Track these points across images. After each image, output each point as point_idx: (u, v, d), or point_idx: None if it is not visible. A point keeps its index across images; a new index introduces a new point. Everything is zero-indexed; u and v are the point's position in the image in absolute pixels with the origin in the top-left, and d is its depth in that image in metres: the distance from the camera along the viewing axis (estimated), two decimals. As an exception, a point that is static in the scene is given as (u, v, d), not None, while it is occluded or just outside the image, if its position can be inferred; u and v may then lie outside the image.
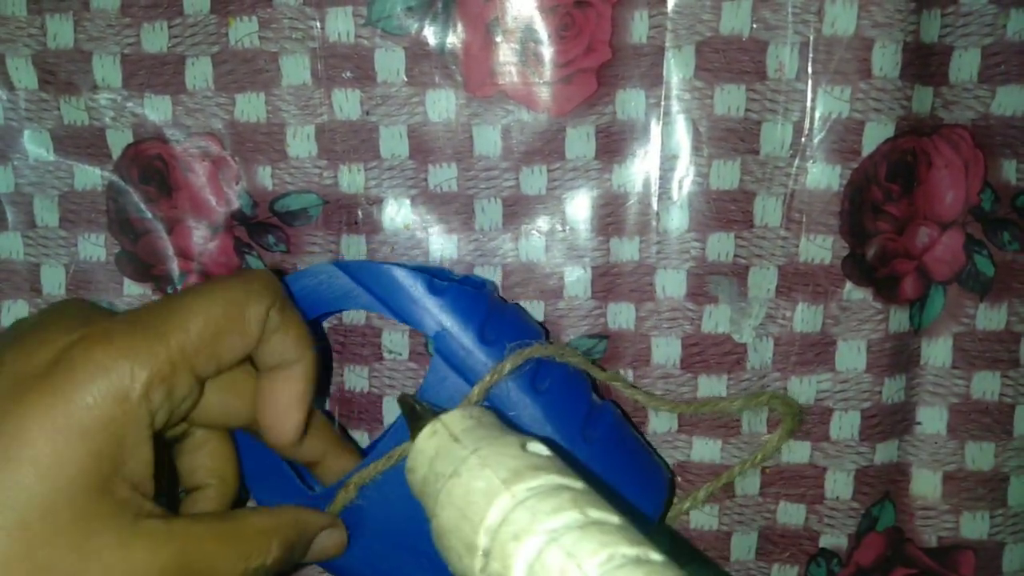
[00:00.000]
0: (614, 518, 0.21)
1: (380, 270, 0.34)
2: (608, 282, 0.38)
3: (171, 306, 0.28)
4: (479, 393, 0.32)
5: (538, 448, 0.24)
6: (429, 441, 0.26)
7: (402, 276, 0.34)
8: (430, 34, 0.36)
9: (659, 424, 0.39)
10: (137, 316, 0.27)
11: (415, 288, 0.33)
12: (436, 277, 0.34)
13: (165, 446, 0.32)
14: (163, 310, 0.28)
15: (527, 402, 0.33)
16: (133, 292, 0.39)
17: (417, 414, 0.27)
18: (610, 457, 0.35)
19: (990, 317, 0.38)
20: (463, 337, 0.33)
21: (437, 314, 0.33)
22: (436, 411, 0.27)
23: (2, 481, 0.24)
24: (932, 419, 0.39)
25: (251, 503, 0.36)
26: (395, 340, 0.38)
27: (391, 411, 0.39)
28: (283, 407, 0.31)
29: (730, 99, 0.36)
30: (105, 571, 0.25)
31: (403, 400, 0.29)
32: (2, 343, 0.27)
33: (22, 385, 0.25)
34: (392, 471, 0.32)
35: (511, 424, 0.29)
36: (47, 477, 0.24)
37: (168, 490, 0.33)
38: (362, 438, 0.40)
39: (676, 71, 0.36)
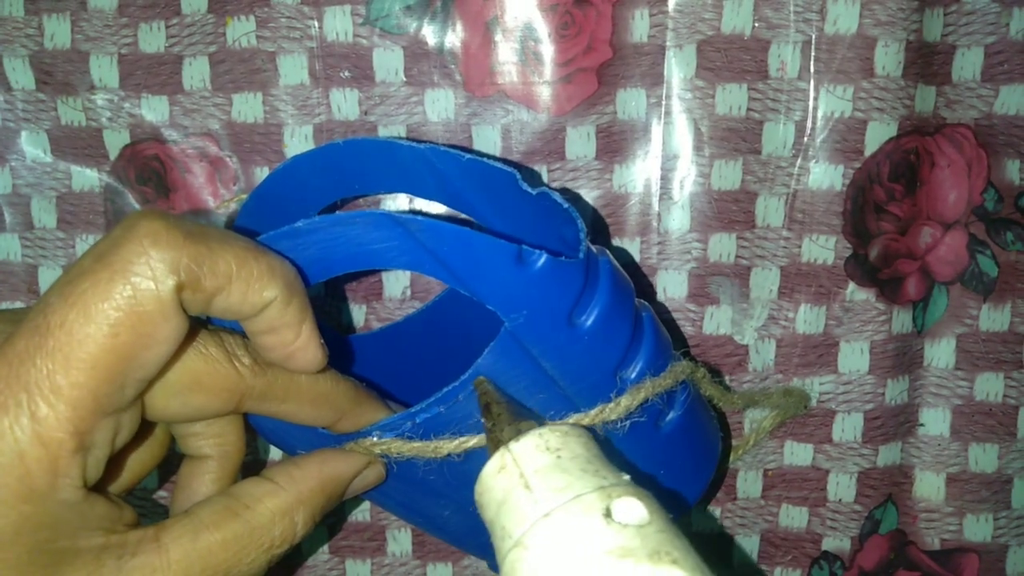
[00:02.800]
0: None
1: (455, 234, 0.26)
2: (609, 283, 0.38)
3: (49, 339, 0.21)
4: (568, 424, 0.27)
5: (627, 514, 0.20)
6: (496, 479, 0.22)
7: (483, 245, 0.26)
8: (429, 33, 0.36)
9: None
10: (11, 372, 0.21)
11: (499, 261, 0.26)
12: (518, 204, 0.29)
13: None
14: (40, 350, 0.21)
15: (567, 336, 0.28)
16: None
17: (491, 419, 0.24)
18: (675, 446, 0.31)
19: (993, 318, 0.38)
20: (548, 322, 0.27)
21: (522, 292, 0.27)
22: (511, 424, 0.24)
23: None
24: (935, 421, 0.39)
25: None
26: (394, 342, 0.38)
27: (390, 413, 0.39)
28: (288, 349, 0.25)
29: (732, 98, 0.36)
30: None
31: (482, 389, 0.26)
32: None
33: None
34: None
35: (597, 448, 0.24)
36: None
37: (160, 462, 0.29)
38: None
39: (677, 70, 0.36)
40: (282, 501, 0.26)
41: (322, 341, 0.26)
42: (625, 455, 0.30)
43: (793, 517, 0.39)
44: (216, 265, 0.23)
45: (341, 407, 0.28)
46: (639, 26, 0.36)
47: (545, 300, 0.27)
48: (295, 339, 0.25)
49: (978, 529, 0.39)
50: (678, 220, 0.37)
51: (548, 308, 0.27)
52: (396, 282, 0.38)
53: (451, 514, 0.31)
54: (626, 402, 0.28)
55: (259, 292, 0.24)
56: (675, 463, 0.32)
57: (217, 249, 0.23)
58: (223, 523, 0.25)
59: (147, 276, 0.21)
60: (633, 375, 0.29)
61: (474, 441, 0.27)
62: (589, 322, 0.28)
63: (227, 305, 0.23)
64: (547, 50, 0.36)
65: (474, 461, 0.27)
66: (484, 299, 0.27)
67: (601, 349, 0.29)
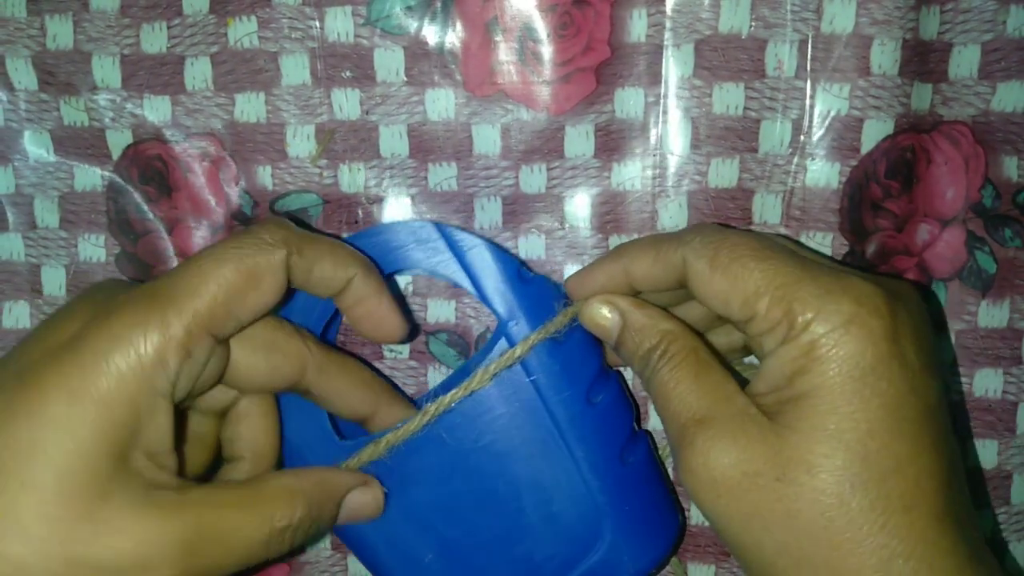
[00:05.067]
0: None
1: (475, 243, 0.34)
2: (608, 281, 0.38)
3: (185, 271, 0.28)
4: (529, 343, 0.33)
5: None
6: None
7: (494, 256, 0.34)
8: (429, 33, 0.36)
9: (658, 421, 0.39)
10: (155, 286, 0.28)
11: (505, 271, 0.34)
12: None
13: (207, 418, 0.33)
14: (178, 277, 0.28)
15: (578, 411, 0.34)
16: (133, 293, 0.39)
17: None
18: (639, 487, 0.35)
19: (992, 314, 0.38)
20: (532, 329, 0.33)
21: (516, 302, 0.34)
22: None
23: (20, 438, 0.25)
24: (934, 417, 0.39)
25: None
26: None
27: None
28: (374, 317, 0.32)
29: (729, 97, 0.36)
30: (116, 537, 0.25)
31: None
32: (46, 319, 0.29)
33: (48, 354, 0.26)
34: (426, 436, 0.33)
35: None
36: (63, 438, 0.25)
37: (211, 467, 0.33)
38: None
39: (675, 69, 0.36)
40: (284, 481, 0.30)
41: (401, 313, 0.32)
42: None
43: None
44: (314, 244, 0.30)
45: (380, 397, 0.33)
46: (637, 26, 0.36)
47: (536, 312, 0.34)
48: (378, 307, 0.32)
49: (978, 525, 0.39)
50: (675, 218, 0.37)
51: (536, 319, 0.34)
52: (398, 278, 0.38)
53: (433, 559, 0.34)
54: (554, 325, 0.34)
55: (344, 267, 0.31)
56: (638, 506, 0.35)
57: (315, 237, 0.31)
58: (234, 487, 0.29)
59: (267, 243, 0.29)
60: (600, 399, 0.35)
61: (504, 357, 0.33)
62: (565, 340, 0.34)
63: (322, 275, 0.30)
64: (546, 50, 0.36)
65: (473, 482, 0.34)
66: (485, 299, 0.34)
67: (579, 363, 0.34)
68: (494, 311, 0.34)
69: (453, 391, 0.33)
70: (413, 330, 0.38)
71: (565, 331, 0.33)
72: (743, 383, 0.29)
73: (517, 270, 0.34)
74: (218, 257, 0.28)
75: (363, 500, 0.32)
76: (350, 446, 0.33)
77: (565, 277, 0.38)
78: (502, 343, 0.33)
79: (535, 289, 0.34)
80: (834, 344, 0.26)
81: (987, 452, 0.39)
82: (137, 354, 0.26)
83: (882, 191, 0.37)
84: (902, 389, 0.26)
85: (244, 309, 0.29)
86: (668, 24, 0.36)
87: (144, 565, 0.25)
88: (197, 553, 0.26)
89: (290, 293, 0.31)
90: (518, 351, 0.33)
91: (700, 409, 0.28)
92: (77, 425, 0.25)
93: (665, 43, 0.36)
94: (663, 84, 0.36)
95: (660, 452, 0.38)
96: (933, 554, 0.26)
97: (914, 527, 0.26)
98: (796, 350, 0.27)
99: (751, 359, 0.37)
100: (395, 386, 0.36)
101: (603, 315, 0.32)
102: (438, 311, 0.38)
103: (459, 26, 0.36)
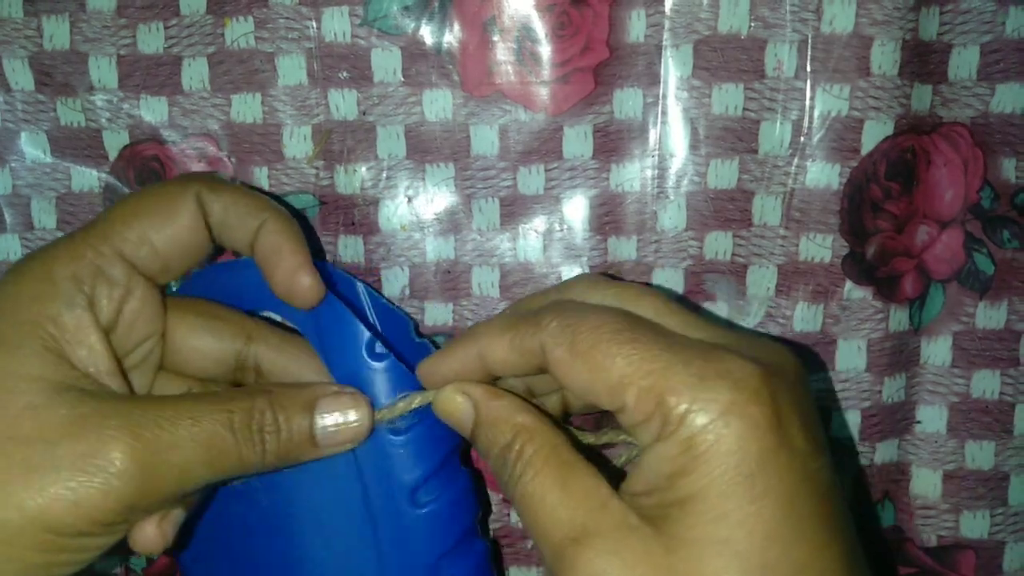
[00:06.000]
0: None
1: (338, 308, 0.31)
2: (606, 282, 0.38)
3: (101, 213, 0.31)
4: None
5: None
6: None
7: (348, 328, 0.31)
8: (427, 34, 0.36)
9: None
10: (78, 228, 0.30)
11: (356, 342, 0.31)
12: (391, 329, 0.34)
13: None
14: (97, 216, 0.30)
15: (397, 511, 0.31)
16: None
17: None
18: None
19: (990, 315, 0.38)
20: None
21: (359, 380, 0.31)
22: None
23: None
24: (932, 418, 0.39)
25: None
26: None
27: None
28: (284, 269, 0.30)
29: (728, 98, 0.36)
30: (64, 456, 0.25)
31: None
32: None
33: None
34: (245, 487, 0.32)
35: None
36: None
37: None
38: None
39: (674, 70, 0.36)
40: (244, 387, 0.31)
41: (316, 274, 0.30)
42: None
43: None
44: (226, 186, 0.31)
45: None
46: (636, 26, 0.36)
47: (381, 395, 0.31)
48: (289, 259, 0.30)
49: (975, 526, 0.39)
50: (674, 219, 0.37)
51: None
52: (395, 281, 0.38)
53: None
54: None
55: (257, 210, 0.30)
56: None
57: (228, 183, 0.31)
58: (187, 397, 0.29)
59: (177, 180, 0.31)
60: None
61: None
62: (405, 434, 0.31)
63: (236, 217, 0.30)
64: (544, 50, 0.36)
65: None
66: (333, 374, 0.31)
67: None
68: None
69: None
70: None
71: (406, 420, 0.30)
72: (616, 478, 0.26)
73: (372, 343, 0.30)
74: (133, 194, 0.31)
75: (340, 420, 0.30)
76: None
77: (563, 278, 0.38)
78: None
79: (388, 368, 0.30)
80: (714, 439, 0.24)
81: (984, 453, 0.39)
82: (47, 270, 0.28)
83: (882, 192, 0.37)
84: (794, 481, 0.24)
85: (156, 235, 0.29)
86: (667, 24, 0.36)
87: (102, 486, 0.25)
88: (154, 465, 0.26)
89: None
90: None
91: (574, 525, 0.25)
92: (8, 343, 0.27)
93: (664, 43, 0.36)
94: (662, 85, 0.36)
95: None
96: None
97: None
98: (674, 447, 0.24)
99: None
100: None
101: (455, 404, 0.29)
102: (436, 314, 0.38)
103: (457, 26, 0.36)
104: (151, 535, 0.28)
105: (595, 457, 0.27)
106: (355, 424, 0.30)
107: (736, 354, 0.25)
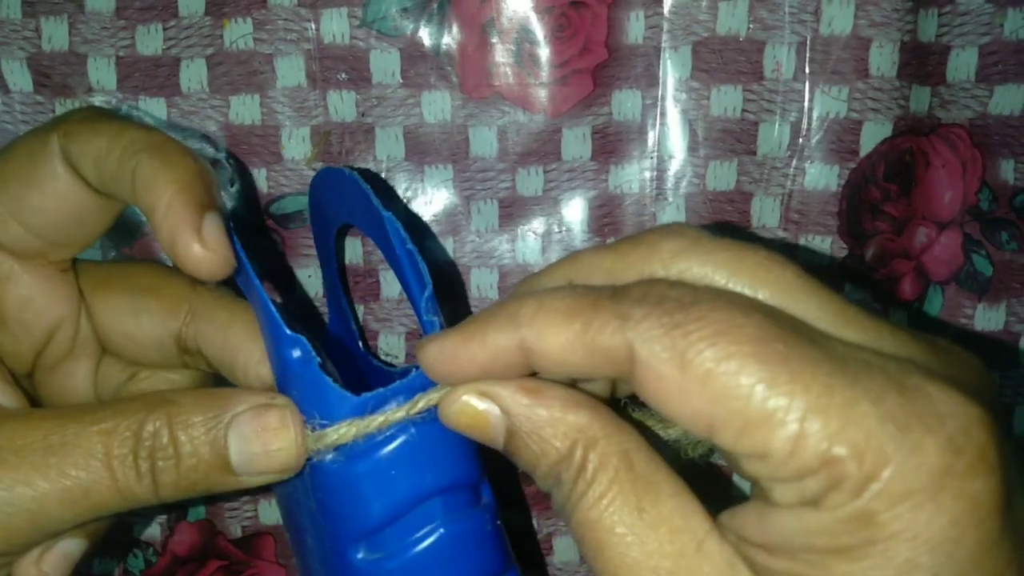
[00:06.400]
0: None
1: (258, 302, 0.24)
2: (605, 283, 0.38)
3: None
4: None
5: None
6: None
7: (262, 303, 0.24)
8: (425, 35, 0.36)
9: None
10: None
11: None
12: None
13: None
14: None
15: (348, 563, 0.24)
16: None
17: None
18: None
19: (988, 317, 0.38)
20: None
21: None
22: None
23: None
24: (931, 420, 0.39)
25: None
26: (391, 343, 0.38)
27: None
28: (166, 226, 0.23)
29: (727, 99, 0.36)
30: None
31: None
32: None
33: None
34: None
35: None
36: None
37: None
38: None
39: (672, 71, 0.36)
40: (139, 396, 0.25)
41: (217, 237, 0.23)
42: None
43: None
44: (97, 129, 0.24)
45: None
46: (635, 28, 0.36)
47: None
48: (174, 223, 0.23)
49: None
50: (673, 220, 0.37)
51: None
52: (393, 282, 0.38)
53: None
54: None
55: (132, 151, 0.23)
56: None
57: (103, 118, 0.25)
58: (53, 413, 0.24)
59: (36, 136, 0.25)
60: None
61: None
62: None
63: (113, 160, 0.24)
64: (543, 52, 0.36)
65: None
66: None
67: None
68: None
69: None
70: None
71: (371, 439, 0.23)
72: (718, 498, 0.20)
73: (278, 329, 0.23)
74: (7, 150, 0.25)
75: (261, 446, 0.23)
76: None
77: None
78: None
79: (305, 363, 0.23)
80: (907, 524, 0.16)
81: (984, 455, 0.39)
82: None
83: (881, 194, 0.37)
84: None
85: (21, 208, 0.24)
86: (666, 26, 0.36)
87: None
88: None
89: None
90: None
91: (657, 573, 0.18)
92: None
93: (663, 45, 0.36)
94: (661, 86, 0.36)
95: None
96: None
97: None
98: (840, 521, 0.17)
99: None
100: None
101: (474, 415, 0.21)
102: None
103: (455, 28, 0.36)
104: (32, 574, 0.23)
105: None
106: (277, 451, 0.22)
107: (940, 382, 0.17)
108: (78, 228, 0.26)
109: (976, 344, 0.38)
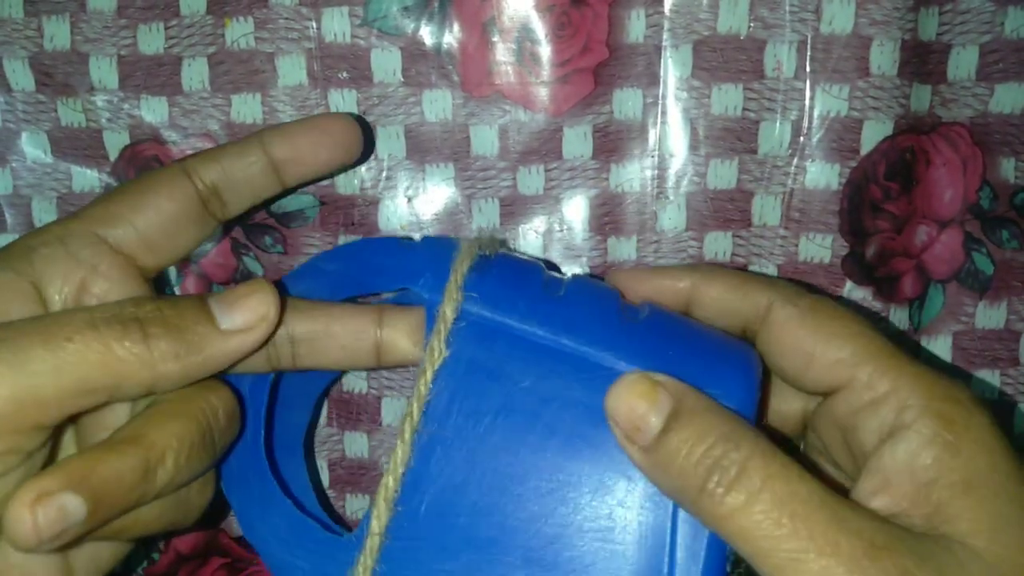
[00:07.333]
0: None
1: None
2: (606, 282, 0.38)
3: None
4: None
5: None
6: None
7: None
8: (426, 34, 0.36)
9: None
10: None
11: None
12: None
13: None
14: None
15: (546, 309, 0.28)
16: (131, 293, 0.39)
17: None
18: (667, 336, 0.28)
19: (989, 315, 0.38)
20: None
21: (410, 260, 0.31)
22: None
23: None
24: (932, 418, 0.39)
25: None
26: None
27: (390, 411, 0.39)
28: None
29: (728, 98, 0.36)
30: None
31: None
32: None
33: None
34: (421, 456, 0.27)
35: None
36: None
37: None
38: (361, 439, 0.40)
39: (673, 70, 0.36)
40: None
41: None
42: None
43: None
44: (221, 157, 0.32)
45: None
46: (635, 26, 0.36)
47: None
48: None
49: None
50: (674, 219, 0.37)
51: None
52: (395, 281, 0.38)
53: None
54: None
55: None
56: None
57: (226, 155, 0.32)
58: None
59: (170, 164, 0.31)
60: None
61: None
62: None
63: (234, 177, 0.32)
64: (544, 50, 0.36)
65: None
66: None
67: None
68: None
69: (416, 392, 0.27)
70: None
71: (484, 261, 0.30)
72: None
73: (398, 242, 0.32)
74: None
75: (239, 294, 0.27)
76: (348, 540, 0.28)
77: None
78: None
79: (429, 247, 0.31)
80: (976, 423, 0.22)
81: (984, 453, 0.39)
82: (13, 245, 0.28)
83: (882, 192, 0.37)
84: None
85: (133, 211, 0.28)
86: (666, 25, 0.36)
87: None
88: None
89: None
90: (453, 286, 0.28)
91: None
92: None
93: (663, 44, 0.36)
94: (661, 85, 0.36)
95: None
96: None
97: None
98: (929, 427, 0.21)
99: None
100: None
101: (647, 386, 0.23)
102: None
103: (456, 26, 0.36)
104: (24, 518, 0.21)
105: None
106: (253, 294, 0.26)
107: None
108: (178, 236, 0.29)
109: (976, 343, 0.38)
